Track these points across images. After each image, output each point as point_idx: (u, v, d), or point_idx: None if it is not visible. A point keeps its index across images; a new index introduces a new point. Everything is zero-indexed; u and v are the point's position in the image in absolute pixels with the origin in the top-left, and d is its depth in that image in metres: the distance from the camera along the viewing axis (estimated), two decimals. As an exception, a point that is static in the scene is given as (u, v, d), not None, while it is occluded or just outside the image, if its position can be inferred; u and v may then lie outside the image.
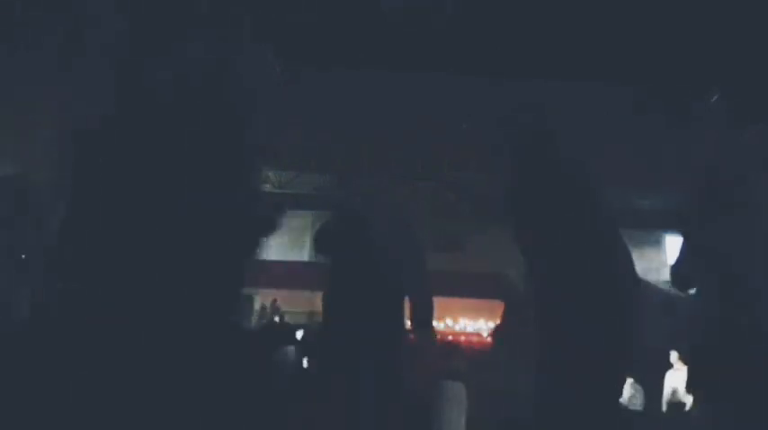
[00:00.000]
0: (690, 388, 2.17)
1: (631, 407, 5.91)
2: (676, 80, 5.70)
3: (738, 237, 1.99)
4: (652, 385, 6.19)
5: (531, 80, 5.40)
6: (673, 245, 11.90)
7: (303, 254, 12.13)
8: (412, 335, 2.47)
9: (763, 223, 2.03)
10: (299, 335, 6.83)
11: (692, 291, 2.07)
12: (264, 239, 1.52)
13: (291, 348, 6.21)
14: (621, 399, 2.01)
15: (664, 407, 6.25)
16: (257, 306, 10.03)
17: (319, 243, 2.72)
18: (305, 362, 6.11)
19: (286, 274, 8.42)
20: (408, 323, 2.51)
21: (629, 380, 5.07)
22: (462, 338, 10.89)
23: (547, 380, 1.76)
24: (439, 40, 5.38)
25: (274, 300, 9.25)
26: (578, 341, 1.72)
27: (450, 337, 11.10)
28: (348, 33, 5.36)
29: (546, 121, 2.07)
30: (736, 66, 5.40)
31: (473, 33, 5.24)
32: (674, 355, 6.29)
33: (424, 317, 2.48)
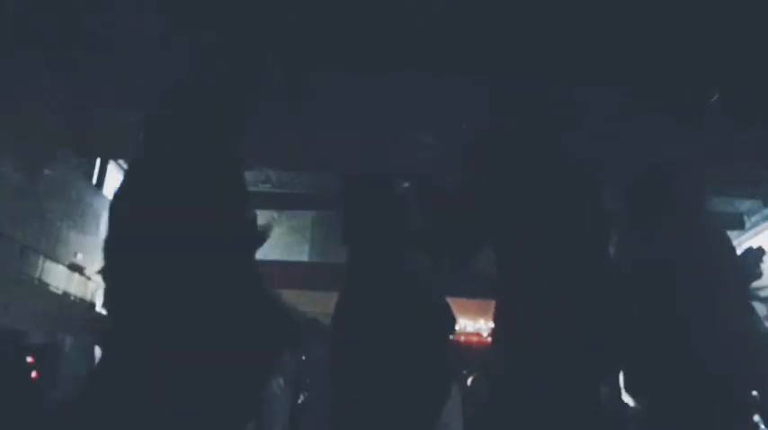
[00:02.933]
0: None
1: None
2: (675, 80, 5.69)
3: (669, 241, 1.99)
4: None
5: (530, 80, 5.39)
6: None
7: (303, 254, 12.15)
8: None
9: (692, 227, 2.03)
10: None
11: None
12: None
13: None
14: None
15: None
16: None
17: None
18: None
19: (286, 274, 8.42)
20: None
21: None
22: (462, 338, 10.88)
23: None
24: (439, 40, 5.37)
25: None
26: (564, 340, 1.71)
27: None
28: (348, 34, 5.36)
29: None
30: (736, 66, 5.41)
31: (472, 33, 5.24)
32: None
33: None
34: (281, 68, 5.56)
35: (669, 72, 5.57)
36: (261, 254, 1.72)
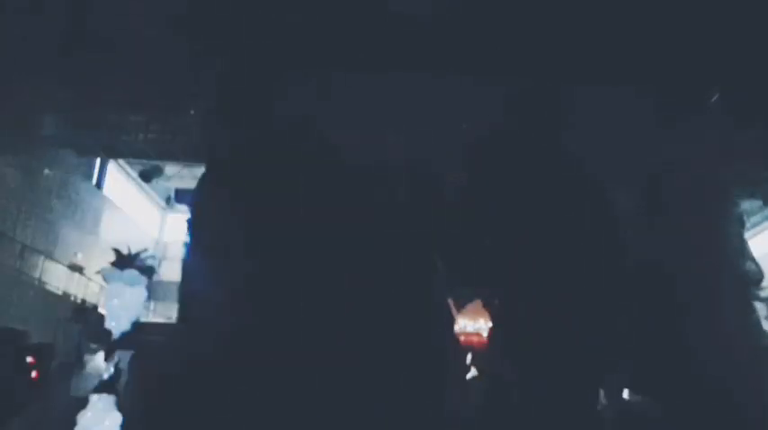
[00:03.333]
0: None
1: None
2: (676, 80, 5.69)
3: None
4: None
5: (530, 80, 5.39)
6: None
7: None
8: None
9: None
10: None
11: None
12: None
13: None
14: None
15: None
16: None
17: None
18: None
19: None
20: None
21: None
22: (462, 338, 10.87)
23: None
24: (440, 41, 5.37)
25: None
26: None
27: (450, 337, 11.09)
28: (349, 34, 5.36)
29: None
30: (737, 66, 5.40)
31: (474, 33, 5.24)
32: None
33: None
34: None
35: (669, 72, 5.56)
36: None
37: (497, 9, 5.04)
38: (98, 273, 7.91)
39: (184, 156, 8.17)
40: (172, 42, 5.06)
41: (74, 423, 5.67)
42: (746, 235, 10.29)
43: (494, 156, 1.89)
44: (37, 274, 7.08)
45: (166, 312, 10.35)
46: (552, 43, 5.18)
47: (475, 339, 11.06)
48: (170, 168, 8.21)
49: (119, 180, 9.59)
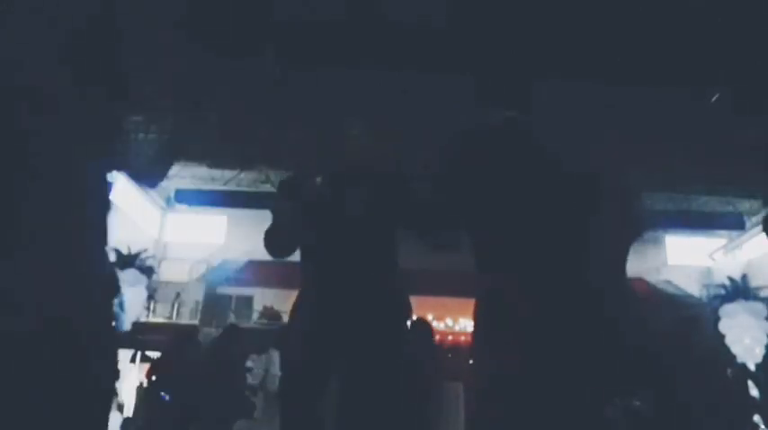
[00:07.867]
0: None
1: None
2: (676, 79, 5.69)
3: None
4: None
5: (530, 80, 5.38)
6: (673, 245, 11.86)
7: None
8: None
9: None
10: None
11: None
12: None
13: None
14: None
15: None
16: (256, 306, 10.04)
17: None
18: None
19: (285, 274, 8.39)
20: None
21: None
22: (462, 338, 10.88)
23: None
24: (441, 41, 5.37)
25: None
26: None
27: (450, 337, 11.11)
28: (349, 33, 5.37)
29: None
30: (737, 65, 5.40)
31: (474, 33, 5.24)
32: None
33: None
34: (281, 64, 5.57)
35: (670, 71, 5.57)
36: (258, 254, 1.74)
37: (493, 7, 5.05)
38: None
39: (184, 156, 8.17)
40: (172, 42, 5.07)
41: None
42: (746, 235, 10.26)
43: (473, 153, 1.86)
44: (37, 274, 7.09)
45: (166, 312, 10.33)
46: (548, 39, 5.18)
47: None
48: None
49: (119, 180, 9.59)
